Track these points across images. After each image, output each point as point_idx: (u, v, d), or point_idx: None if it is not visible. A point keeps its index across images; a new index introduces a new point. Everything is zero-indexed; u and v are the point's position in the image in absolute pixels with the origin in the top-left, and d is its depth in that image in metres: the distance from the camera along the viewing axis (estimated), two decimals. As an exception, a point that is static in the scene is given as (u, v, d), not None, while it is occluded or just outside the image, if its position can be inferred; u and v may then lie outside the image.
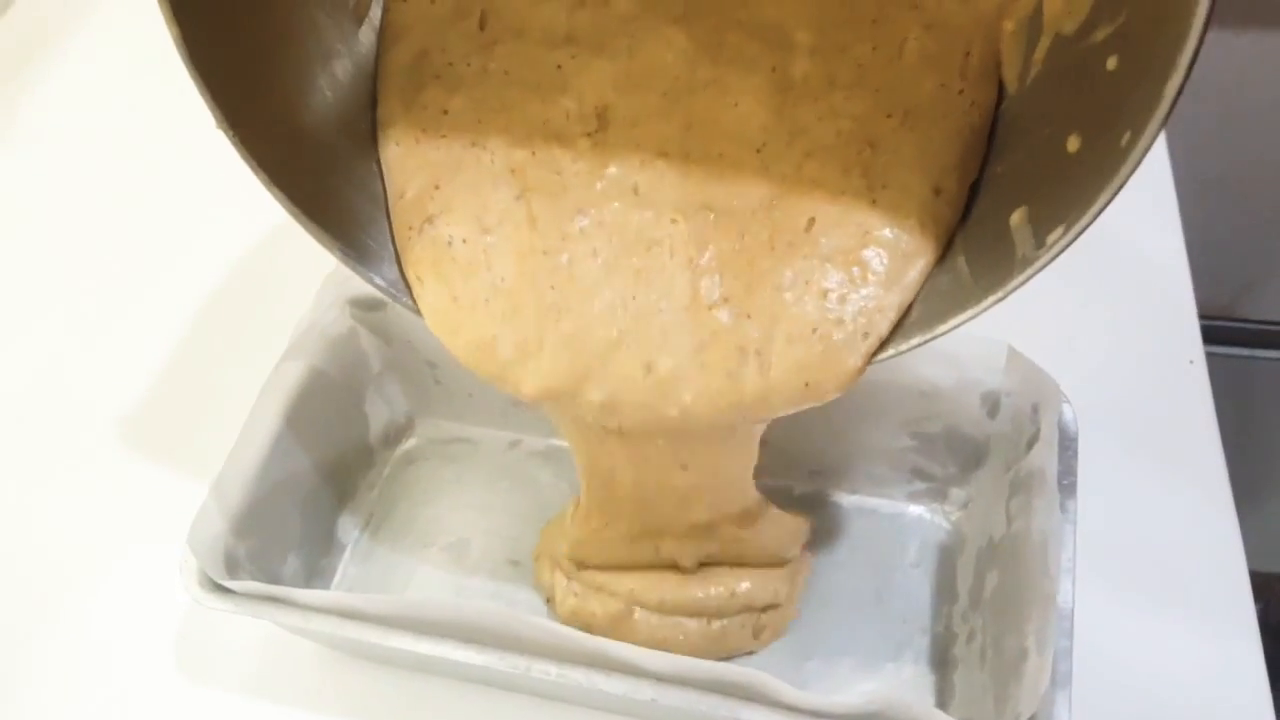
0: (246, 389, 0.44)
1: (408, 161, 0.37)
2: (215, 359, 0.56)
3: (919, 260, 0.35)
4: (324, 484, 0.48)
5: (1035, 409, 0.43)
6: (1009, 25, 0.35)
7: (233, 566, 0.41)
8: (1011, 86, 0.35)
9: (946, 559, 0.47)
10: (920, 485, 0.48)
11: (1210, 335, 0.56)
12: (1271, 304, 1.08)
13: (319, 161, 0.36)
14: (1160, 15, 0.27)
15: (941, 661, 0.45)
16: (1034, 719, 0.36)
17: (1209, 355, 0.55)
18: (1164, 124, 0.27)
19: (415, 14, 0.38)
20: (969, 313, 0.34)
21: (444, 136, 0.37)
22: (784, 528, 0.44)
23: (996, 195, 0.35)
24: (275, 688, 0.45)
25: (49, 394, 0.56)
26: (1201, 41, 0.26)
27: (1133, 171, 0.28)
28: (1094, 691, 0.40)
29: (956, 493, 0.48)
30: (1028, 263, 0.32)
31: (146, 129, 0.68)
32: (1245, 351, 1.11)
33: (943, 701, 0.43)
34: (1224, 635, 0.46)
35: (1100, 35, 0.30)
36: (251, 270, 0.59)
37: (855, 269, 0.35)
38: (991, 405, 0.45)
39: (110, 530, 0.50)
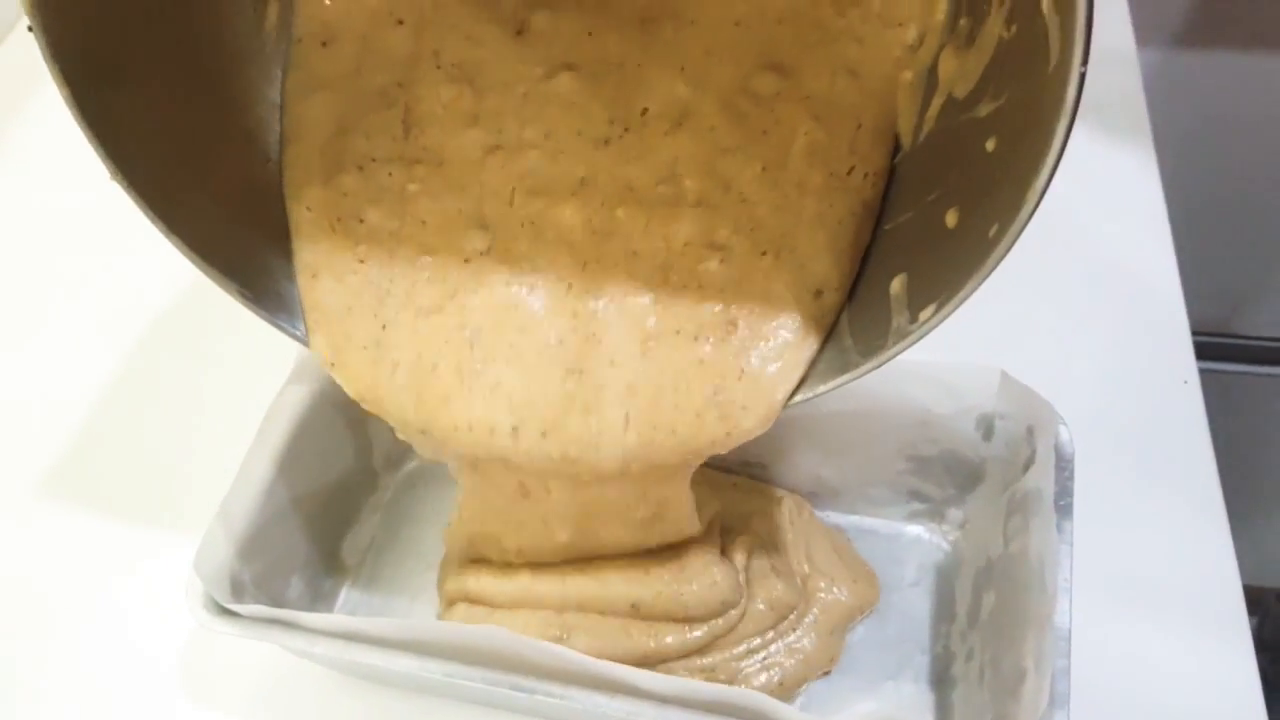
0: (251, 412, 0.45)
1: (320, 243, 0.39)
2: (219, 382, 0.57)
3: (804, 350, 0.37)
4: (328, 507, 0.48)
5: (1030, 431, 0.43)
6: (908, 75, 0.36)
7: (238, 590, 0.41)
8: (906, 141, 0.36)
9: (944, 579, 0.48)
10: (918, 506, 0.49)
11: (1204, 352, 0.57)
12: (1266, 320, 1.09)
13: (243, 218, 0.38)
14: (1032, 113, 0.27)
15: (940, 680, 0.45)
16: (1033, 741, 0.36)
17: (1202, 371, 0.56)
18: (1025, 225, 0.28)
19: (334, 71, 0.39)
20: (848, 376, 0.36)
21: (359, 244, 0.39)
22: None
23: (883, 255, 0.37)
24: (280, 710, 0.45)
25: (53, 413, 0.56)
26: (1061, 152, 0.26)
27: (997, 264, 0.29)
28: (1091, 708, 0.40)
29: (954, 513, 0.48)
30: (901, 335, 0.33)
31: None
32: (1239, 367, 1.11)
33: (942, 719, 0.44)
34: (1219, 650, 0.46)
35: (984, 111, 0.31)
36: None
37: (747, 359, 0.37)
38: (986, 428, 0.45)
39: (114, 553, 0.51)
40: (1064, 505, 0.41)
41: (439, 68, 0.39)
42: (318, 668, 0.46)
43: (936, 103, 0.35)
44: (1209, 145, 0.92)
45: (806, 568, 0.47)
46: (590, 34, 0.38)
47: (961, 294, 0.30)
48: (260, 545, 0.43)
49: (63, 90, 0.31)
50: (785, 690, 0.45)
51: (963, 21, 0.33)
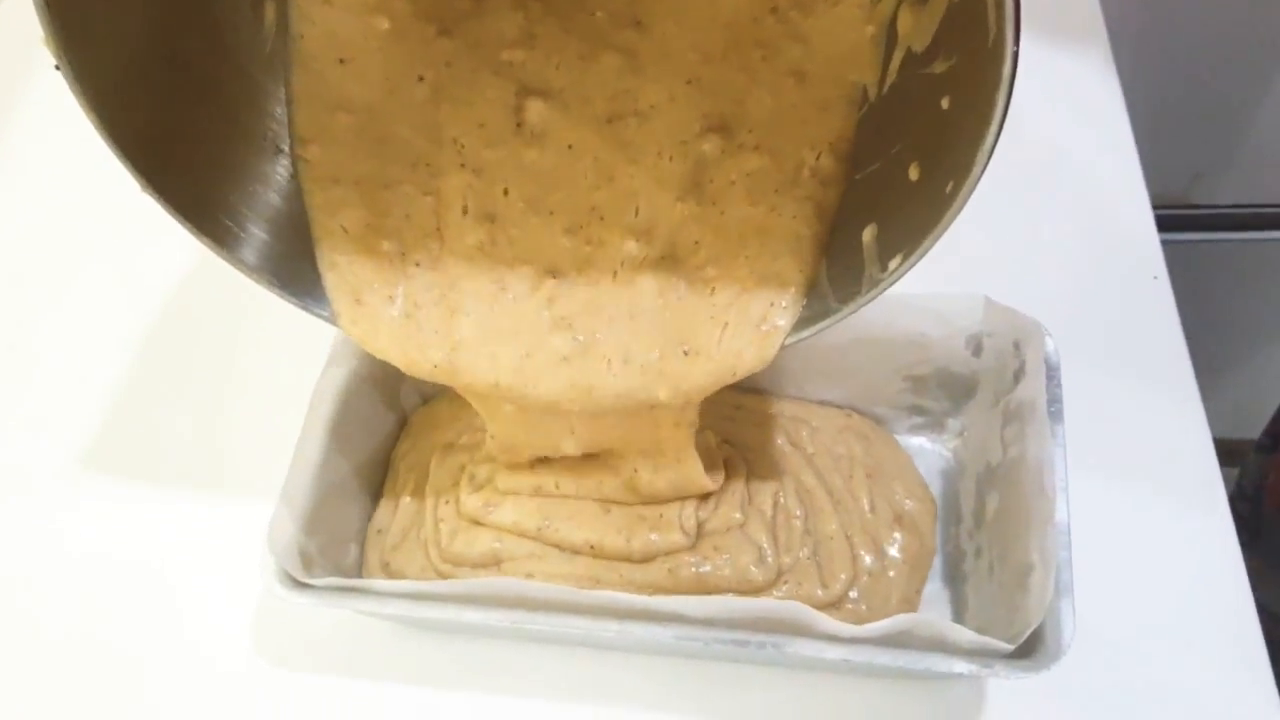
0: (286, 387, 0.49)
1: (355, 258, 0.41)
2: (257, 363, 0.59)
3: (793, 301, 0.40)
4: (373, 475, 0.52)
5: (1017, 345, 0.47)
6: (870, 30, 0.38)
7: (307, 562, 0.45)
8: (872, 93, 0.39)
9: (949, 483, 0.52)
10: (919, 419, 0.53)
11: (1167, 224, 0.61)
12: (1223, 191, 1.12)
13: (246, 206, 0.40)
14: (977, 79, 0.30)
15: (953, 577, 0.49)
16: (1043, 626, 0.40)
17: (1168, 243, 0.59)
18: (976, 184, 0.30)
19: (357, 98, 0.40)
20: (828, 321, 0.39)
21: (392, 260, 0.42)
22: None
23: (855, 206, 0.39)
24: (349, 663, 0.49)
25: (94, 398, 0.59)
26: (1002, 122, 0.29)
27: (954, 218, 0.31)
28: (1091, 587, 0.44)
29: (952, 424, 0.52)
30: (874, 283, 0.36)
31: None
32: (1201, 235, 1.15)
33: (959, 612, 0.48)
34: (1199, 514, 0.51)
35: (939, 68, 0.34)
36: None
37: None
38: (975, 347, 0.49)
39: (188, 539, 0.54)
40: (1055, 411, 0.45)
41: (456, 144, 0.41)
42: (380, 622, 0.50)
43: (897, 56, 0.37)
44: (1163, 37, 0.95)
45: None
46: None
47: (924, 245, 0.33)
48: (321, 519, 0.46)
49: (91, 117, 0.33)
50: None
51: None
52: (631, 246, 0.41)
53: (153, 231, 0.62)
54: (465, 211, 0.41)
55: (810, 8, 0.39)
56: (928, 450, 0.53)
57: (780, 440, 0.51)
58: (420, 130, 0.41)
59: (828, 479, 0.50)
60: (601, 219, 0.41)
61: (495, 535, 0.47)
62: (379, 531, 0.50)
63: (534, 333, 0.42)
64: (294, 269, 0.41)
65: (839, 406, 0.53)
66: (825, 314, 0.39)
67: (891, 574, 0.47)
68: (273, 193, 0.41)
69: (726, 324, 0.41)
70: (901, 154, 0.36)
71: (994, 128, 0.29)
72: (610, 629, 0.42)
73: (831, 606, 0.46)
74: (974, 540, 0.49)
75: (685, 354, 0.41)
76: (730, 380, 0.42)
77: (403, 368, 0.42)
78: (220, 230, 0.38)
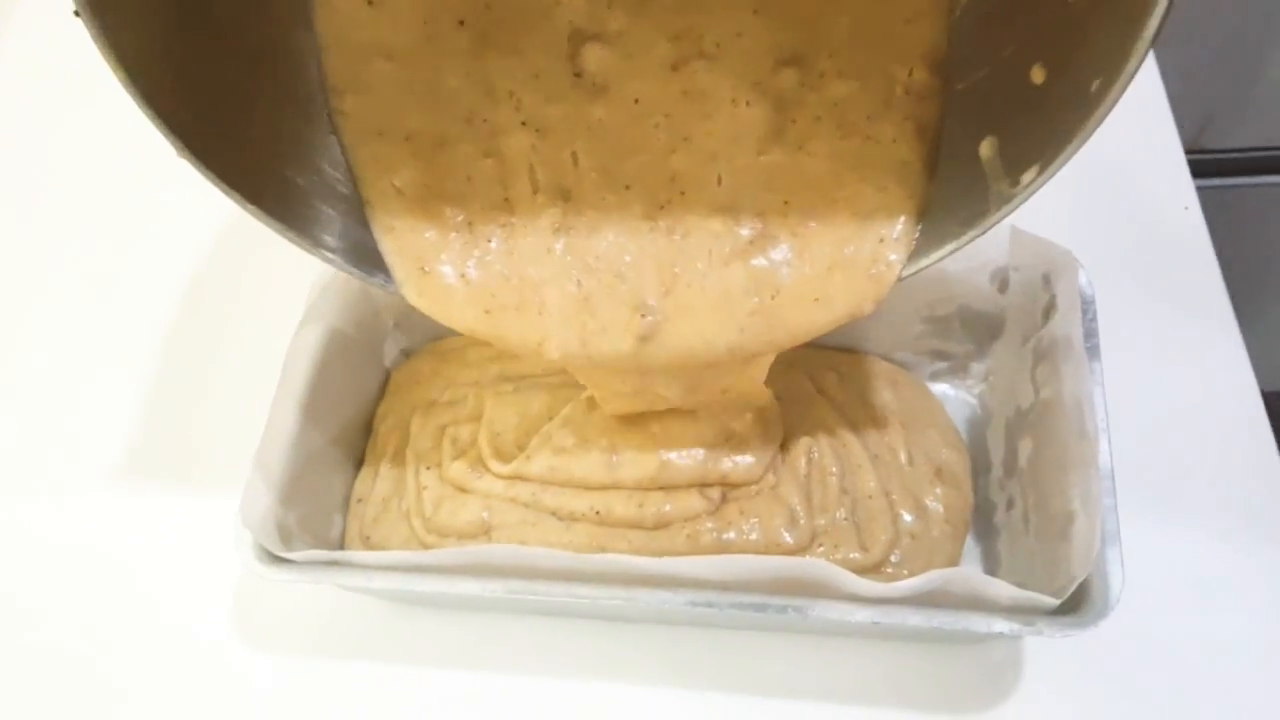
0: (272, 355, 0.44)
1: (408, 217, 0.37)
2: (236, 329, 0.56)
3: (904, 229, 0.37)
4: (356, 441, 0.48)
5: (1046, 279, 0.43)
6: None
7: (286, 536, 0.41)
8: None
9: (976, 431, 0.48)
10: (941, 364, 0.49)
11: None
12: (1238, 135, 1.09)
13: (278, 157, 0.36)
14: None
15: (983, 532, 0.46)
16: (1089, 578, 0.37)
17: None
18: (1133, 76, 0.27)
19: (395, 43, 0.36)
20: (951, 246, 0.35)
21: (452, 221, 0.38)
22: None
23: (963, 118, 0.35)
24: (336, 642, 0.46)
25: (70, 391, 0.55)
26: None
27: (1104, 119, 0.28)
28: (1133, 534, 0.41)
29: (976, 367, 0.49)
30: (1004, 200, 0.32)
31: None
32: (1215, 182, 1.12)
33: (990, 569, 0.45)
34: (1247, 453, 0.48)
35: None
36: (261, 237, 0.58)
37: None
38: (1001, 281, 0.45)
39: (157, 512, 0.50)
40: (1091, 347, 0.42)
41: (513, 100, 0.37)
42: (368, 598, 0.46)
43: None
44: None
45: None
46: None
47: (1066, 152, 0.29)
48: (300, 490, 0.43)
49: (119, 74, 0.29)
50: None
51: None
52: (717, 227, 0.37)
53: (110, 211, 0.61)
54: (536, 189, 0.37)
55: None
56: (951, 397, 0.50)
57: (809, 388, 0.47)
58: (470, 81, 0.37)
59: (863, 431, 0.46)
60: (683, 194, 0.37)
61: (483, 503, 0.44)
62: (359, 501, 0.46)
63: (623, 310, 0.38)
64: (350, 237, 0.37)
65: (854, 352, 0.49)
66: (945, 238, 0.36)
67: (935, 533, 0.44)
68: (319, 155, 0.37)
69: (832, 269, 0.37)
70: (1016, 56, 0.32)
71: (1159, 11, 0.25)
72: (617, 595, 0.38)
73: (871, 571, 0.43)
74: (1005, 491, 0.45)
75: (784, 301, 0.38)
76: (846, 323, 0.38)
77: (482, 339, 0.38)
78: (270, 199, 0.34)
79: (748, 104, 0.36)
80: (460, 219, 0.38)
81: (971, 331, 0.48)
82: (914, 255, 0.37)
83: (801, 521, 0.43)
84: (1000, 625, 0.37)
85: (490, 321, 0.37)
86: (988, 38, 0.34)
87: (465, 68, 0.36)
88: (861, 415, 0.46)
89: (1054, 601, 0.36)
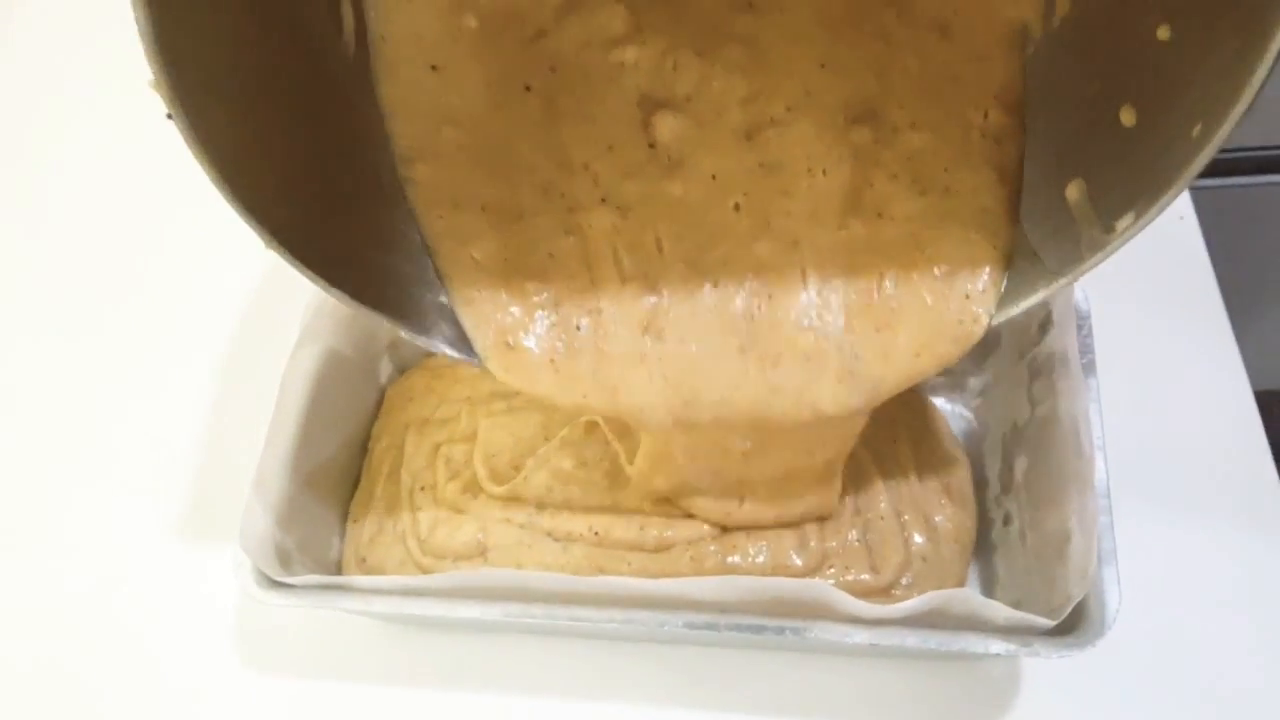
0: (269, 376, 0.44)
1: (487, 287, 0.37)
2: (235, 350, 0.56)
3: (991, 276, 0.36)
4: (353, 459, 0.48)
5: (1043, 294, 0.43)
6: None
7: (284, 559, 0.41)
8: (1035, 30, 0.34)
9: (973, 447, 0.48)
10: (938, 379, 0.49)
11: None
12: (1235, 134, 1.09)
13: (361, 239, 0.35)
14: (1226, 4, 0.24)
15: (981, 548, 0.46)
16: (1085, 599, 0.37)
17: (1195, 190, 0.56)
18: (1240, 121, 0.25)
19: (461, 109, 0.35)
20: (1044, 291, 0.34)
21: (532, 291, 0.37)
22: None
23: (1044, 158, 0.34)
24: (337, 663, 0.46)
25: (70, 413, 0.55)
26: None
27: (1205, 164, 0.26)
28: (1126, 547, 0.40)
29: (973, 382, 0.49)
30: (1098, 246, 0.31)
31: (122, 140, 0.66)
32: (1216, 182, 1.12)
33: (987, 585, 0.45)
34: (1242, 467, 0.48)
35: None
36: (256, 260, 0.57)
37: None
38: (999, 294, 0.45)
39: (157, 534, 0.50)
40: (1087, 363, 0.42)
41: (588, 172, 0.36)
42: (368, 619, 0.46)
43: None
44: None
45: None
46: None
47: (1164, 200, 0.28)
48: (298, 512, 0.43)
49: (211, 173, 0.27)
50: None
51: None
52: (805, 322, 0.37)
53: (110, 230, 0.61)
54: (624, 279, 0.37)
55: None
56: (948, 412, 0.49)
57: None
58: (543, 150, 0.36)
59: (874, 446, 0.45)
60: (770, 297, 0.36)
61: (479, 524, 0.44)
62: (355, 521, 0.46)
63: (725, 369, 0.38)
64: (413, 303, 0.36)
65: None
66: (1036, 284, 0.34)
67: (945, 554, 0.43)
68: (392, 228, 0.36)
69: (918, 334, 0.36)
70: (1101, 95, 0.31)
71: (1270, 56, 0.23)
72: (615, 618, 0.38)
73: (881, 593, 0.42)
74: (1002, 507, 0.45)
75: (871, 364, 0.37)
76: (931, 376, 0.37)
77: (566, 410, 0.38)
78: (343, 274, 0.33)
79: (824, 172, 0.36)
80: (545, 297, 0.37)
81: (967, 346, 0.48)
82: (1003, 303, 0.36)
83: (812, 544, 0.43)
84: (997, 646, 0.37)
85: (583, 402, 0.37)
86: (1067, 75, 0.33)
87: (537, 136, 0.36)
88: (871, 430, 0.46)
89: (1049, 623, 0.36)
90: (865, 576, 0.42)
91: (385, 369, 0.51)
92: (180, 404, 0.54)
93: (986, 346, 0.47)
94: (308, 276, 0.31)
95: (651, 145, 0.36)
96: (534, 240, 0.37)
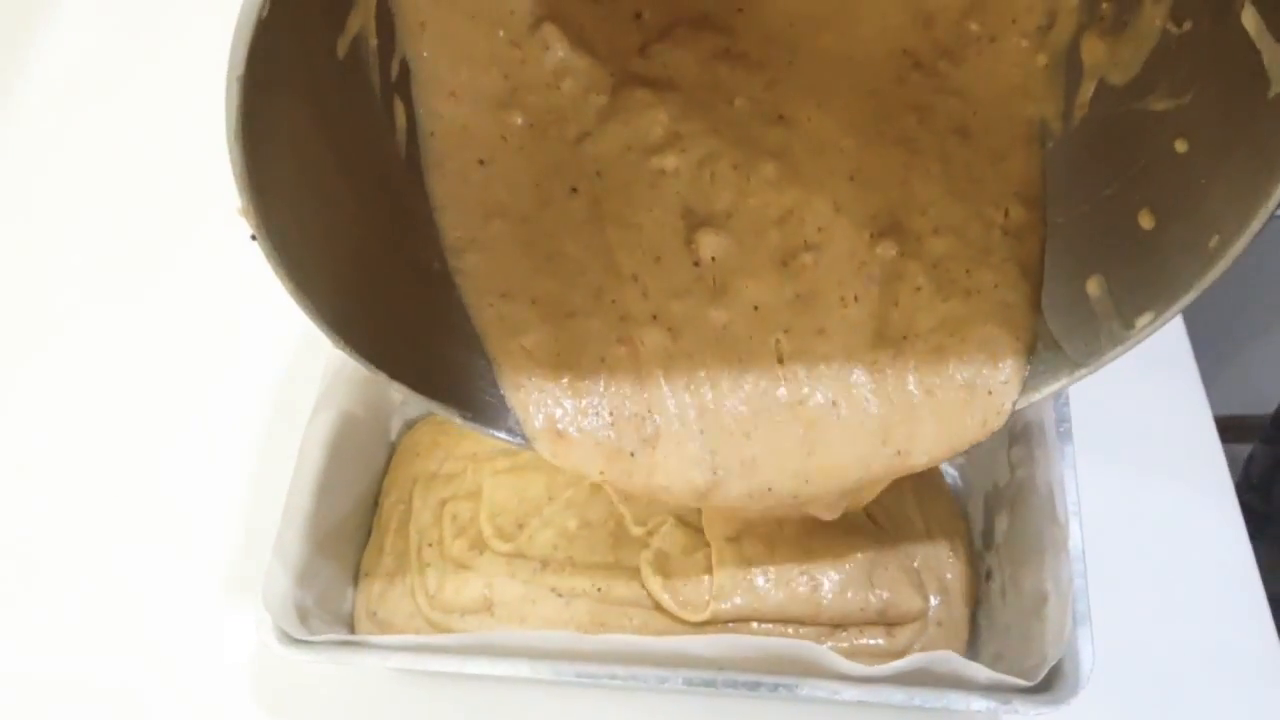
0: (291, 435, 0.47)
1: (538, 377, 0.38)
2: (264, 412, 0.58)
3: (1014, 366, 0.37)
4: (366, 514, 0.50)
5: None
6: (1041, 59, 0.35)
7: (304, 616, 0.43)
8: (1055, 127, 0.35)
9: (958, 503, 0.51)
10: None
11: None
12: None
13: (418, 331, 0.36)
14: (1241, 131, 0.25)
15: (964, 600, 0.48)
16: (1061, 658, 0.39)
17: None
18: (1255, 237, 0.25)
19: (509, 204, 0.36)
20: (1067, 380, 0.35)
21: (582, 379, 0.38)
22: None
23: (1064, 253, 0.35)
24: (353, 712, 0.48)
25: (103, 474, 0.57)
26: None
27: (1221, 274, 0.27)
28: (1098, 587, 0.42)
29: (957, 440, 0.51)
30: (1117, 340, 0.32)
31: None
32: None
33: (971, 638, 0.47)
34: (1208, 510, 0.51)
35: (1159, 105, 0.29)
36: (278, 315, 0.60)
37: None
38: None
39: (181, 586, 0.52)
40: (1064, 431, 0.44)
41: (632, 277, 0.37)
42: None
43: (1087, 87, 0.33)
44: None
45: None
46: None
47: (1181, 303, 0.29)
48: (316, 570, 0.45)
49: (288, 285, 0.28)
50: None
51: (1105, 5, 0.32)
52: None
53: (153, 302, 0.63)
54: (680, 411, 0.37)
55: (959, 55, 0.35)
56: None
57: None
58: (591, 251, 0.37)
59: (884, 500, 0.45)
60: (811, 454, 0.38)
61: (485, 580, 0.46)
62: (366, 575, 0.48)
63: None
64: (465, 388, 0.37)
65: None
66: (1059, 373, 0.36)
67: (955, 614, 0.45)
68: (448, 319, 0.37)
69: (942, 430, 0.38)
70: (1119, 197, 0.32)
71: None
72: (618, 674, 0.41)
73: (892, 657, 0.42)
74: (984, 562, 0.47)
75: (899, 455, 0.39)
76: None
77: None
78: (405, 368, 0.34)
79: (855, 299, 0.37)
80: (597, 397, 0.37)
81: (951, 407, 0.50)
82: (1026, 390, 0.37)
83: (825, 600, 0.44)
84: (978, 703, 0.39)
85: (629, 486, 0.38)
86: (1086, 174, 0.34)
87: (584, 237, 0.37)
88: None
89: (1027, 683, 0.38)
90: (880, 641, 0.44)
91: (396, 425, 0.53)
92: (210, 469, 0.56)
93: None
94: (370, 370, 0.32)
95: (696, 263, 0.37)
96: (585, 341, 0.38)
